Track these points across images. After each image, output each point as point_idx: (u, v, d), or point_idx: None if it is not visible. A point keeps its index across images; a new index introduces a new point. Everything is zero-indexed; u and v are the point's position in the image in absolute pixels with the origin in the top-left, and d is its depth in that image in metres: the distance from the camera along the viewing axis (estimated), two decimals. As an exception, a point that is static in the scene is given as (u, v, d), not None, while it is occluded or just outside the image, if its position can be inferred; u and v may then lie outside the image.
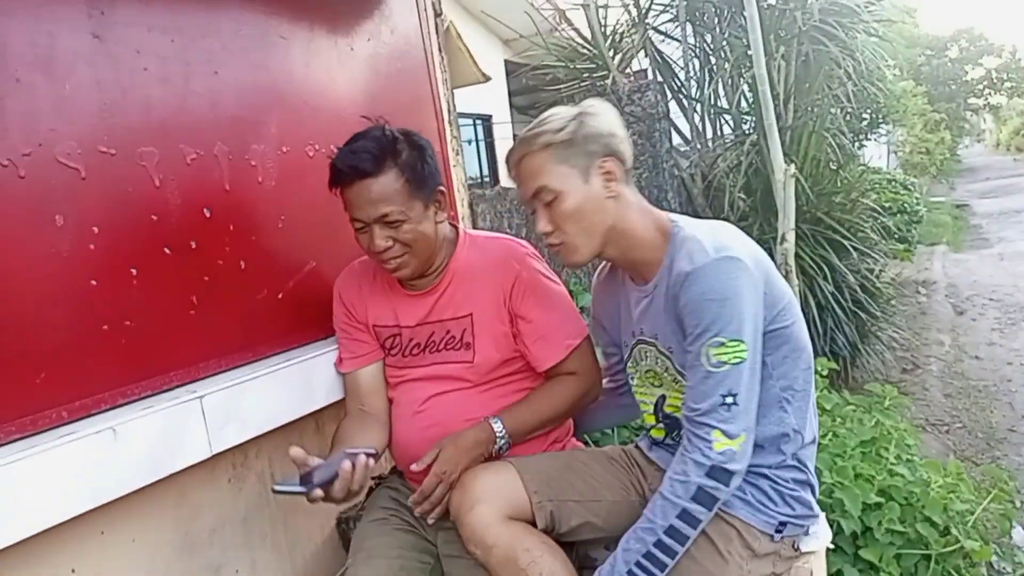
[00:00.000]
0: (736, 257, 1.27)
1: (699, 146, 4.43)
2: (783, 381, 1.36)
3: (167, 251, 1.48)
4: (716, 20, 4.36)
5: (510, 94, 10.37)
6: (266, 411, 1.59)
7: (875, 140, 9.47)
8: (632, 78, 4.83)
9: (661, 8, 4.62)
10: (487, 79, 7.27)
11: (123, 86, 1.43)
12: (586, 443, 1.99)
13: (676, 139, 4.64)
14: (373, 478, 1.74)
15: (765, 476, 1.39)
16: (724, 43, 4.27)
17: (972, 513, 2.36)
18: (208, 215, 1.57)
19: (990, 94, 24.54)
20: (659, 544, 1.27)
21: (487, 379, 1.63)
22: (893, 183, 9.10)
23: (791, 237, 3.15)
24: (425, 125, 2.24)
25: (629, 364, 1.55)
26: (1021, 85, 24.96)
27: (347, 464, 1.33)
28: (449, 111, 2.46)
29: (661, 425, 1.51)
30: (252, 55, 1.69)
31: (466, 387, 1.63)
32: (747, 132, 4.20)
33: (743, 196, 4.15)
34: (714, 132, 4.63)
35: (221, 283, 1.58)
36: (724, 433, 1.26)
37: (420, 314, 1.64)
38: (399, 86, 2.16)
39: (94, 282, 1.35)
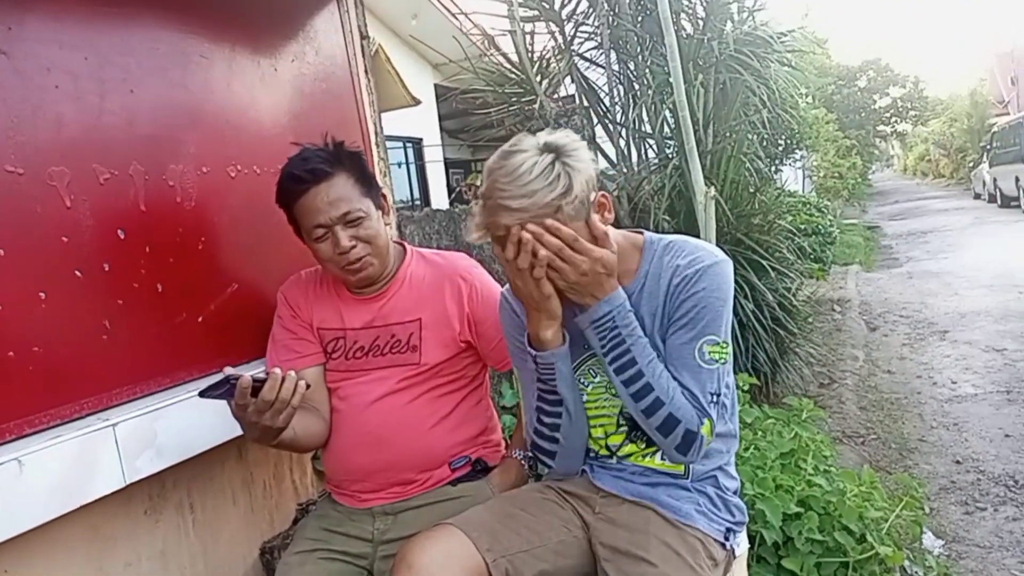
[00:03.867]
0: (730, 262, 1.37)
1: (624, 169, 4.54)
2: (728, 378, 1.41)
3: (78, 274, 1.43)
4: (639, 48, 4.49)
5: (440, 117, 10.44)
6: (184, 438, 1.54)
7: (791, 165, 9.89)
8: (560, 103, 4.92)
9: (586, 35, 4.73)
10: (417, 102, 7.30)
11: (32, 104, 1.38)
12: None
13: (602, 163, 4.74)
14: (299, 505, 1.71)
15: (712, 482, 1.44)
16: (647, 70, 4.40)
17: (886, 520, 2.47)
18: (122, 236, 1.52)
19: (897, 122, 26.04)
20: (634, 371, 1.32)
21: (431, 381, 1.66)
22: (808, 205, 9.51)
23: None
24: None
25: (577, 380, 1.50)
26: (924, 113, 26.60)
27: (277, 369, 1.35)
28: (376, 133, 2.46)
29: (622, 430, 1.47)
30: (170, 73, 1.66)
31: (408, 388, 1.64)
32: (670, 156, 4.33)
33: (667, 218, 4.26)
34: (639, 156, 4.75)
35: (136, 306, 1.54)
36: (711, 424, 1.32)
37: (366, 318, 1.66)
38: (325, 107, 2.15)
39: (-1, 307, 1.29)
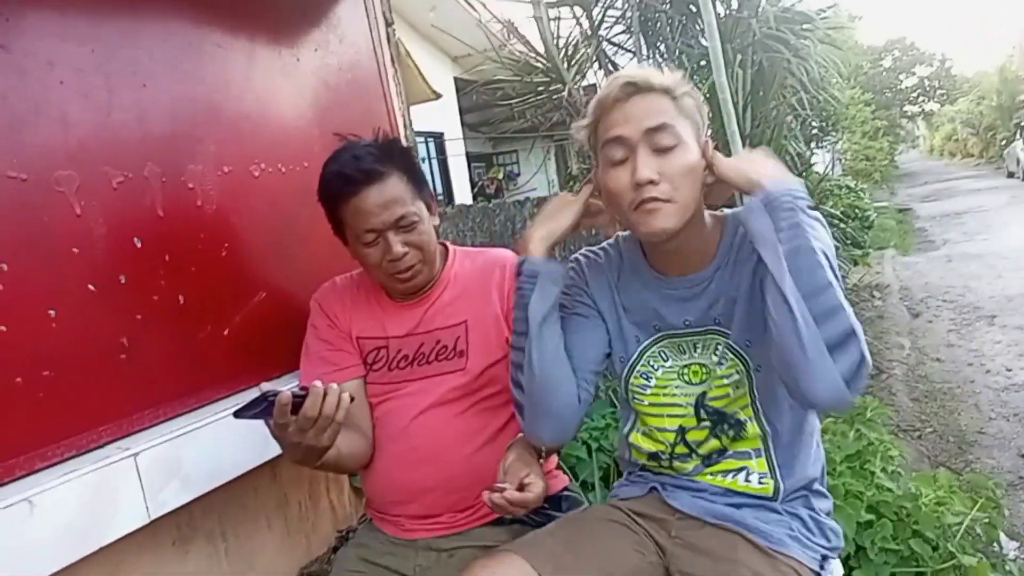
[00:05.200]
0: None
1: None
2: None
3: (91, 288, 1.30)
4: (668, 30, 4.31)
5: (461, 111, 10.30)
6: (214, 465, 1.41)
7: (823, 148, 9.63)
8: (585, 92, 4.76)
9: (613, 20, 4.56)
10: (438, 96, 7.16)
11: (35, 102, 1.25)
12: (566, 472, 1.85)
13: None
14: (339, 532, 1.57)
15: (804, 502, 1.29)
16: (678, 52, 4.22)
17: (961, 525, 2.29)
18: (139, 245, 1.39)
19: (924, 101, 25.50)
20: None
21: (481, 391, 1.52)
22: (846, 190, 9.24)
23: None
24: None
25: (635, 375, 1.34)
26: (951, 92, 25.98)
27: (318, 382, 1.20)
28: (406, 125, 2.32)
29: (704, 424, 1.30)
30: (184, 65, 1.52)
31: (457, 399, 1.51)
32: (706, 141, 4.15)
33: (706, 206, 4.09)
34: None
35: (156, 321, 1.40)
36: None
37: (410, 324, 1.54)
38: (351, 99, 2.01)
39: (3, 328, 1.16)
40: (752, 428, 1.28)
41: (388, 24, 2.28)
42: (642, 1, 4.26)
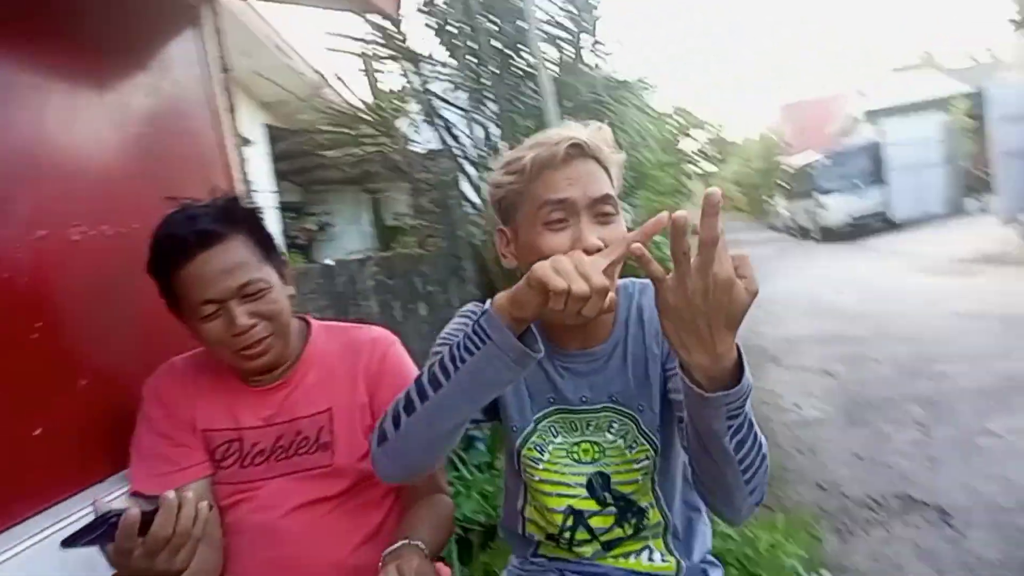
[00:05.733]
0: None
1: (490, 213, 4.43)
2: None
3: None
4: (499, 89, 4.41)
5: (274, 159, 9.84)
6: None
7: (632, 205, 10.34)
8: (412, 144, 4.73)
9: (444, 76, 4.60)
10: (246, 143, 6.78)
11: None
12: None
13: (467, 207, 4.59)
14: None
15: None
16: (509, 112, 4.33)
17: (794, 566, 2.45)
18: (-76, 330, 1.11)
19: (701, 162, 28.49)
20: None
21: (349, 487, 1.36)
22: (656, 244, 9.96)
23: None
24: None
25: (528, 446, 1.26)
26: (724, 155, 29.22)
27: (170, 493, 0.98)
28: (244, 178, 2.12)
29: (610, 511, 1.24)
30: (-10, 110, 1.26)
31: (324, 500, 1.34)
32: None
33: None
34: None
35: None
36: None
37: (266, 412, 1.35)
38: (186, 152, 1.80)
39: None
40: (654, 515, 1.25)
41: (224, 69, 2.09)
42: (471, 62, 4.34)
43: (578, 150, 1.10)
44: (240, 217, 1.28)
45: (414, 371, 1.43)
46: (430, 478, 1.41)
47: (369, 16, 3.93)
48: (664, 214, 0.83)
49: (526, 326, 0.97)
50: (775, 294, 10.21)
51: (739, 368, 0.87)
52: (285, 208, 11.94)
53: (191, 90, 1.84)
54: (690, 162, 26.88)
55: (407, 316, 3.24)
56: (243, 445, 1.35)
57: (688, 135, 26.97)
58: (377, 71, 4.56)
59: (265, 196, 9.54)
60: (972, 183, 16.70)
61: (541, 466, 1.25)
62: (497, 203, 1.18)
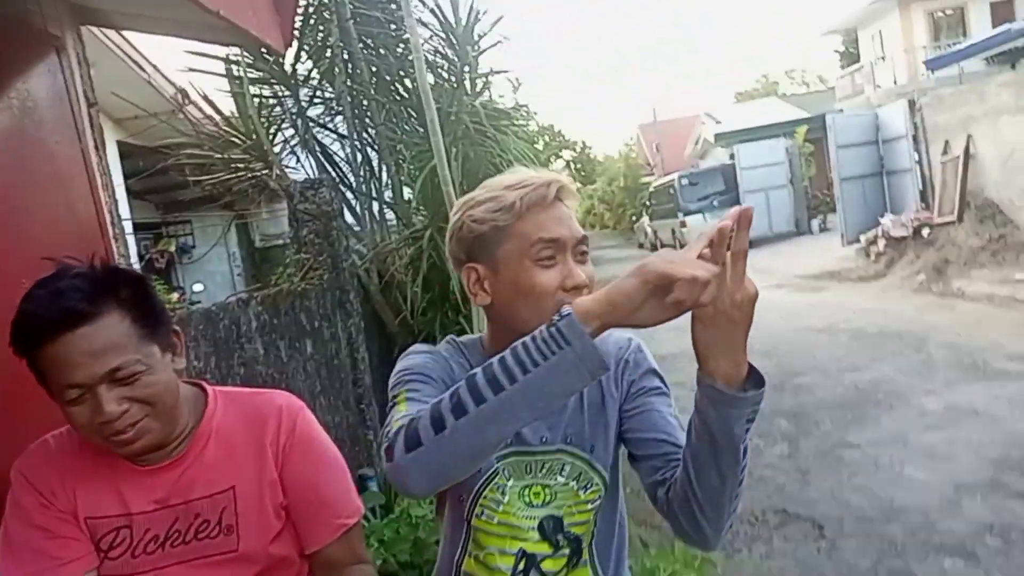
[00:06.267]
0: None
1: (375, 241, 4.31)
2: None
3: None
4: (380, 116, 4.33)
5: (125, 176, 9.17)
6: None
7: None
8: (289, 169, 4.55)
9: (320, 101, 4.45)
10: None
11: None
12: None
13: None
14: None
15: None
16: (388, 139, 4.25)
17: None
18: None
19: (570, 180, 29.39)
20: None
21: (255, 572, 1.24)
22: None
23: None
24: (88, 244, 1.72)
25: (491, 487, 1.20)
26: (589, 174, 30.22)
27: None
28: (113, 224, 1.94)
29: (562, 552, 1.19)
30: None
31: None
32: (422, 227, 4.19)
33: (422, 292, 4.11)
34: (383, 228, 4.56)
35: None
36: None
37: (158, 493, 1.21)
38: (53, 198, 1.62)
39: None
40: (585, 553, 1.24)
41: (91, 104, 1.91)
42: (352, 86, 4.23)
43: (562, 191, 1.14)
44: (119, 288, 1.13)
45: (326, 440, 1.34)
46: (349, 548, 1.32)
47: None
48: (735, 209, 0.89)
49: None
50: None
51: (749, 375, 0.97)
52: (140, 228, 11.17)
53: (58, 131, 1.66)
54: (561, 181, 27.82)
55: (292, 354, 3.08)
56: (133, 532, 1.20)
57: (559, 156, 27.79)
58: (242, 93, 4.33)
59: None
60: (814, 204, 18.21)
61: (500, 508, 1.19)
62: (470, 239, 1.15)
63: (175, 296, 8.99)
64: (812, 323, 7.88)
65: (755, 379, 0.98)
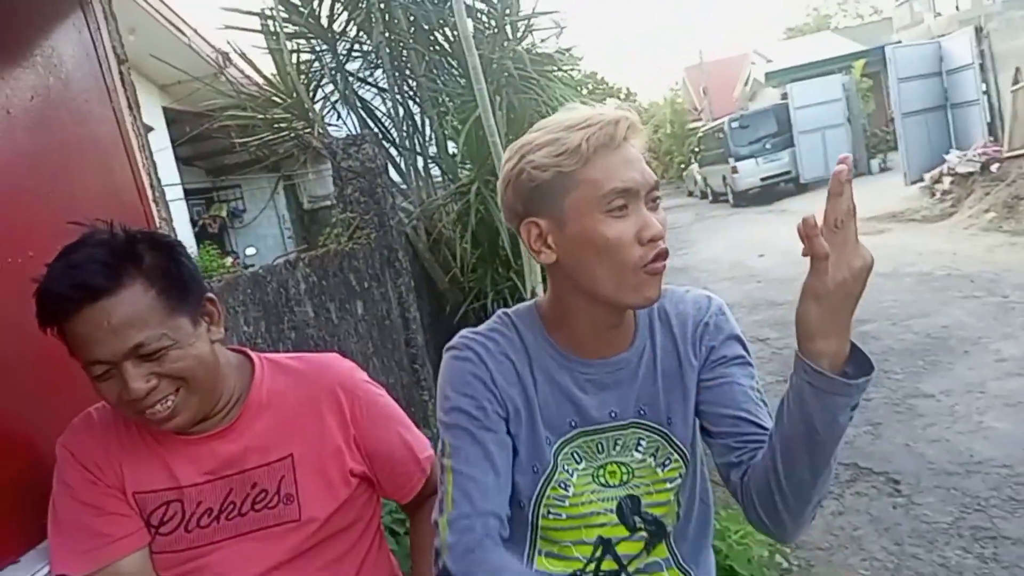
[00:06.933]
0: None
1: (421, 198, 4.21)
2: None
3: None
4: (419, 68, 4.19)
5: (173, 143, 9.26)
6: None
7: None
8: (330, 127, 4.47)
9: (360, 55, 4.33)
10: (149, 129, 6.32)
11: None
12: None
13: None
14: None
15: None
16: (434, 91, 4.12)
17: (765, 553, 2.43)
18: None
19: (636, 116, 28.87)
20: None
21: (324, 543, 1.21)
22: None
23: (540, 292, 3.04)
24: (127, 209, 1.66)
25: (553, 486, 1.11)
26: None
27: None
28: (153, 186, 1.87)
29: (640, 536, 1.11)
30: None
31: (292, 559, 1.18)
32: (468, 181, 4.07)
33: (471, 248, 4.01)
34: (428, 184, 4.45)
35: None
36: None
37: (209, 465, 1.16)
38: (84, 160, 1.55)
39: None
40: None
41: (121, 62, 1.83)
42: (391, 37, 4.09)
43: (633, 131, 1.02)
44: (138, 260, 1.07)
45: (382, 392, 1.31)
46: (433, 478, 1.26)
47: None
48: (842, 167, 0.85)
49: None
50: (699, 261, 10.39)
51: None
52: (191, 195, 11.32)
53: (87, 90, 1.59)
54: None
55: (343, 316, 3.03)
56: (185, 506, 1.15)
57: (604, 103, 27.13)
58: (280, 49, 4.23)
59: (172, 180, 8.99)
60: (873, 142, 17.39)
61: (567, 503, 1.10)
62: (530, 188, 1.02)
63: (229, 260, 9.13)
64: (876, 267, 7.49)
65: (858, 360, 0.89)
